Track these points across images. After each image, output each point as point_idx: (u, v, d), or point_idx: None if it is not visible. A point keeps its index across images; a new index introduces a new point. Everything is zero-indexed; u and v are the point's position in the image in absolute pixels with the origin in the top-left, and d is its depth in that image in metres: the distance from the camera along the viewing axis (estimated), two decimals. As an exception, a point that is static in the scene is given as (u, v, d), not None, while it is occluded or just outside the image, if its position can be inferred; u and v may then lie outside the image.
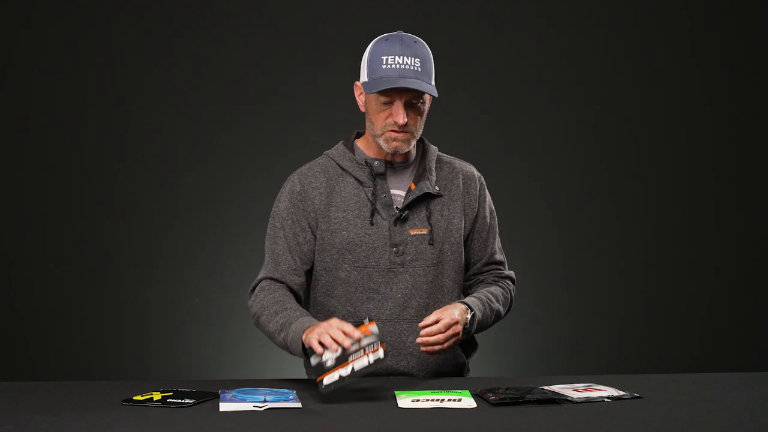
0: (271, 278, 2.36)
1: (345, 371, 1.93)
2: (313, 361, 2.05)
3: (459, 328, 2.23)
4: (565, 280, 4.26)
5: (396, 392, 2.01)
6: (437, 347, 2.22)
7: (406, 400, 1.95)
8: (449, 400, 1.94)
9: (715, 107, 4.31)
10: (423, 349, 2.22)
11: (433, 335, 2.20)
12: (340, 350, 2.00)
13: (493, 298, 2.39)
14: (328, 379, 1.93)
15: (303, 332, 2.14)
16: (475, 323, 2.30)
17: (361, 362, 1.93)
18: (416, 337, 2.28)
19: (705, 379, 2.30)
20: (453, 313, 2.23)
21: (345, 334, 2.03)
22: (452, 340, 2.23)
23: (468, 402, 1.94)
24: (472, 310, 2.29)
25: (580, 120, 4.28)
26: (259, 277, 2.38)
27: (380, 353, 1.93)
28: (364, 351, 1.97)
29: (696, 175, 4.30)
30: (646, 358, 4.23)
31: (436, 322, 2.21)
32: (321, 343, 2.04)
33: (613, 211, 4.29)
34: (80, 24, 4.11)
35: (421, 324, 2.21)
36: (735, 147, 4.30)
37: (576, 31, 4.28)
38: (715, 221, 4.30)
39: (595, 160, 4.29)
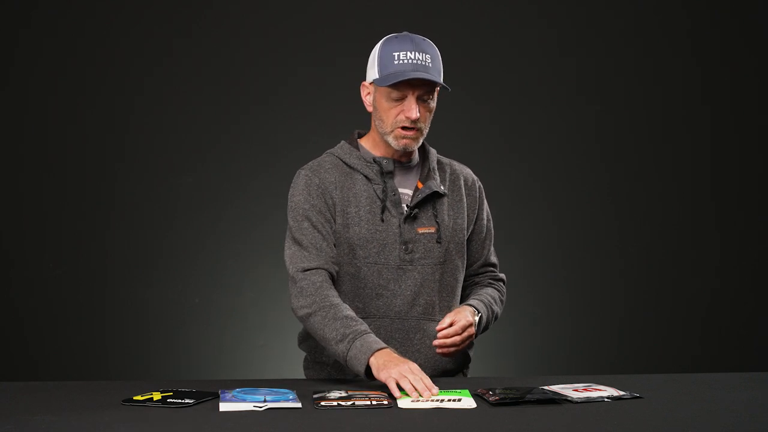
0: (321, 268, 2.28)
1: (345, 404, 1.92)
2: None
3: (473, 330, 2.27)
4: (565, 280, 4.26)
5: None
6: (453, 349, 2.24)
7: (406, 401, 1.95)
8: (449, 400, 1.94)
9: (714, 107, 4.31)
10: (439, 351, 2.24)
11: (450, 338, 2.22)
12: (344, 392, 2.00)
13: (492, 301, 2.43)
14: (325, 403, 1.92)
15: (371, 354, 2.11)
16: (481, 326, 2.34)
17: (363, 403, 1.92)
18: (422, 335, 2.33)
19: (705, 379, 2.30)
20: (466, 315, 2.27)
21: (426, 387, 2.02)
22: (467, 342, 2.26)
23: (468, 402, 1.94)
24: (479, 313, 2.33)
25: (580, 120, 4.28)
26: (302, 266, 2.27)
27: (384, 404, 1.93)
28: (369, 397, 1.96)
29: (696, 175, 4.30)
30: (646, 358, 4.23)
31: (451, 325, 2.23)
32: (399, 386, 2.02)
33: (613, 211, 4.29)
34: (80, 24, 4.11)
35: (438, 327, 2.23)
36: (735, 147, 4.30)
37: (576, 32, 4.28)
38: (715, 221, 4.30)
39: (595, 160, 4.29)
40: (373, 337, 2.16)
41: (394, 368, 2.05)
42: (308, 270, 2.27)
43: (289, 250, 2.32)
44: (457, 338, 2.22)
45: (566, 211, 4.27)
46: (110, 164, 4.13)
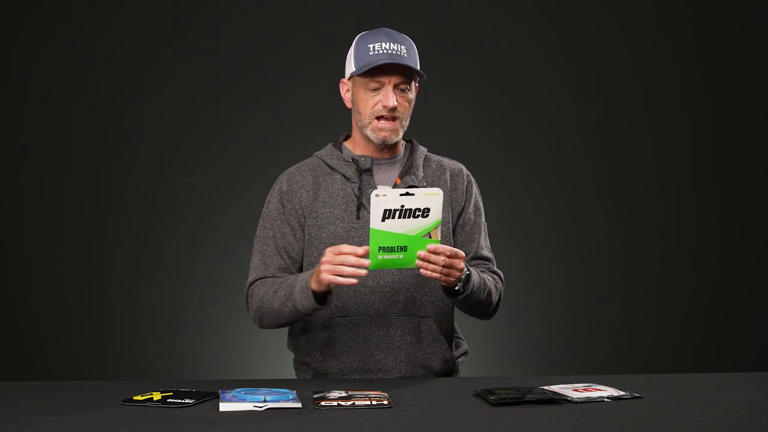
0: (262, 278, 2.39)
1: (345, 404, 1.92)
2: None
3: (462, 264, 2.17)
4: (565, 280, 4.26)
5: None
6: (432, 273, 2.14)
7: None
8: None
9: (715, 107, 4.31)
10: (423, 271, 2.13)
11: (439, 254, 2.12)
12: (344, 392, 2.00)
13: (485, 278, 2.36)
14: (325, 404, 1.92)
15: (309, 285, 2.20)
16: (470, 284, 2.25)
17: (363, 403, 1.92)
18: (402, 331, 2.34)
19: (705, 379, 2.30)
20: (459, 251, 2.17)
21: (348, 254, 2.09)
22: (451, 274, 2.16)
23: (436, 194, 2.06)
24: (467, 270, 2.25)
25: (580, 120, 4.28)
26: (249, 280, 2.41)
27: (384, 404, 1.92)
28: (369, 397, 1.97)
29: (696, 174, 4.30)
30: (646, 358, 4.23)
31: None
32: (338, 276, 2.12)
33: (612, 210, 4.29)
34: (80, 24, 4.11)
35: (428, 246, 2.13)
36: (735, 147, 4.30)
37: (576, 31, 4.28)
38: (715, 221, 4.30)
39: (595, 160, 4.29)
40: (302, 275, 2.26)
41: (321, 273, 2.14)
42: (255, 282, 2.40)
43: (252, 258, 2.45)
44: (441, 258, 2.12)
45: (566, 211, 4.27)
46: (110, 164, 4.13)
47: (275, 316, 2.32)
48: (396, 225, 2.07)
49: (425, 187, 2.39)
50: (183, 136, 4.15)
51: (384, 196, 2.04)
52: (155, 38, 4.14)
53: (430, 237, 2.10)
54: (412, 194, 2.06)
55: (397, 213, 2.06)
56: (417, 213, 2.07)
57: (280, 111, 4.18)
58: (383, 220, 2.06)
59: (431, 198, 2.07)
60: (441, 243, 2.17)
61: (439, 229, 2.10)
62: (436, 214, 2.09)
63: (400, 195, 2.05)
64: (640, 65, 4.29)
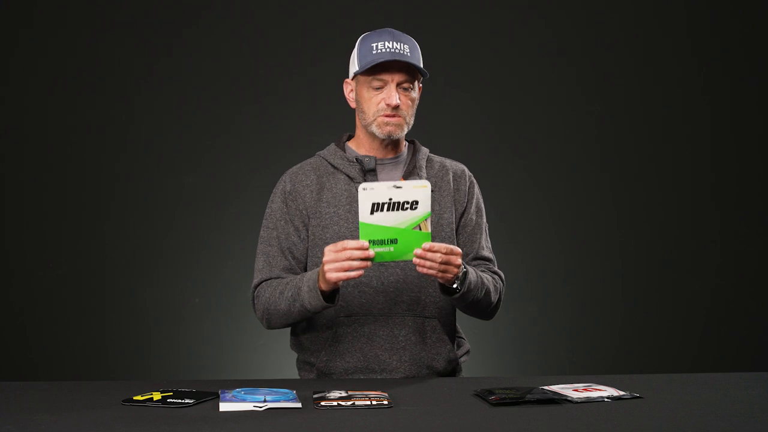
0: (267, 279, 2.38)
1: (345, 404, 1.92)
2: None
3: (458, 261, 2.17)
4: (565, 280, 4.26)
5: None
6: (429, 270, 2.14)
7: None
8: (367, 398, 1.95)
9: (715, 107, 4.31)
10: (419, 268, 2.14)
11: (435, 251, 2.12)
12: (344, 392, 2.00)
13: (484, 277, 2.35)
14: (325, 404, 1.92)
15: (317, 285, 2.20)
16: (467, 281, 2.25)
17: (363, 403, 1.92)
18: (407, 331, 2.34)
19: (705, 379, 2.30)
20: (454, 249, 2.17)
21: (354, 248, 2.08)
22: (448, 270, 2.16)
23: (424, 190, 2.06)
24: (464, 268, 2.25)
25: (579, 120, 4.28)
26: (254, 282, 2.40)
27: (384, 404, 1.93)
28: (369, 397, 1.97)
29: (696, 175, 4.30)
30: (646, 358, 4.23)
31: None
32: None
33: (613, 211, 4.29)
34: (80, 24, 4.12)
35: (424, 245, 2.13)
36: (735, 147, 4.31)
37: (576, 31, 4.29)
38: (716, 221, 4.30)
39: (596, 160, 4.29)
40: (307, 275, 2.26)
41: (325, 274, 2.14)
42: (260, 283, 2.39)
43: (256, 259, 2.43)
44: (437, 256, 2.12)
45: (566, 211, 4.27)
46: (110, 164, 4.13)
47: (283, 316, 2.33)
48: (385, 218, 2.08)
49: None
50: (183, 136, 4.15)
51: (371, 190, 2.05)
52: (156, 38, 4.14)
53: (420, 229, 2.11)
54: (400, 187, 2.07)
55: (386, 206, 2.07)
56: (405, 206, 2.08)
57: (280, 111, 4.18)
58: (372, 214, 2.07)
59: (419, 190, 2.08)
60: (438, 240, 2.17)
61: (429, 221, 2.11)
62: (424, 207, 2.09)
63: (388, 188, 2.06)
64: (641, 66, 4.29)
